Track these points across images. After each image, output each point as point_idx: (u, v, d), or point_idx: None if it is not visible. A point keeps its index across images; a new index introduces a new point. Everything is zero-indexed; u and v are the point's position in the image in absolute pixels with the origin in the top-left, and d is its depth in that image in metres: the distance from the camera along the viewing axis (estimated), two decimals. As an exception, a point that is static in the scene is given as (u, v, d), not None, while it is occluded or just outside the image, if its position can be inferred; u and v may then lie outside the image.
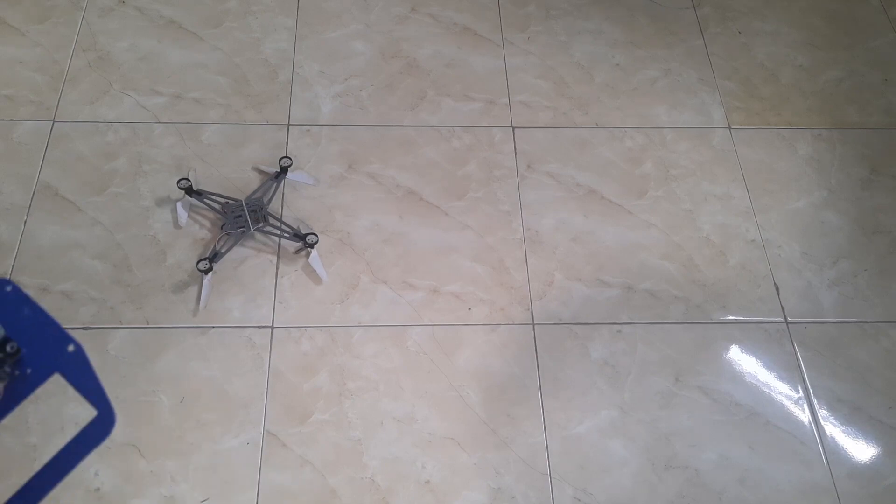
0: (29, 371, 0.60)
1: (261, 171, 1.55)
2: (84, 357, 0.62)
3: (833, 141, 1.67)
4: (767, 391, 1.37)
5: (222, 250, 1.42)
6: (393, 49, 1.74)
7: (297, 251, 1.46)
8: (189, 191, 1.46)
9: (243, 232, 1.43)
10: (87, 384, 0.61)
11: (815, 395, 1.37)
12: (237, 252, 1.45)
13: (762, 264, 1.50)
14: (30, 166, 1.52)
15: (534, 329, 1.41)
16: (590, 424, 1.32)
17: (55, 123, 1.57)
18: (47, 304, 1.37)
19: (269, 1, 1.79)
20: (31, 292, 1.38)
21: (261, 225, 1.44)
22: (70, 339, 0.61)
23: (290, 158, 1.53)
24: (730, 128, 1.68)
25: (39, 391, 1.28)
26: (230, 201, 1.47)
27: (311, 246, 1.44)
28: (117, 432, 1.27)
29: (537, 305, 1.43)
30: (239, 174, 1.54)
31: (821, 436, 1.34)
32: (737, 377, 1.38)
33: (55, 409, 1.28)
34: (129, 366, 1.33)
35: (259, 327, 1.38)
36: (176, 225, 1.47)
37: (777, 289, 1.48)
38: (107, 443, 1.26)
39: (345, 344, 1.37)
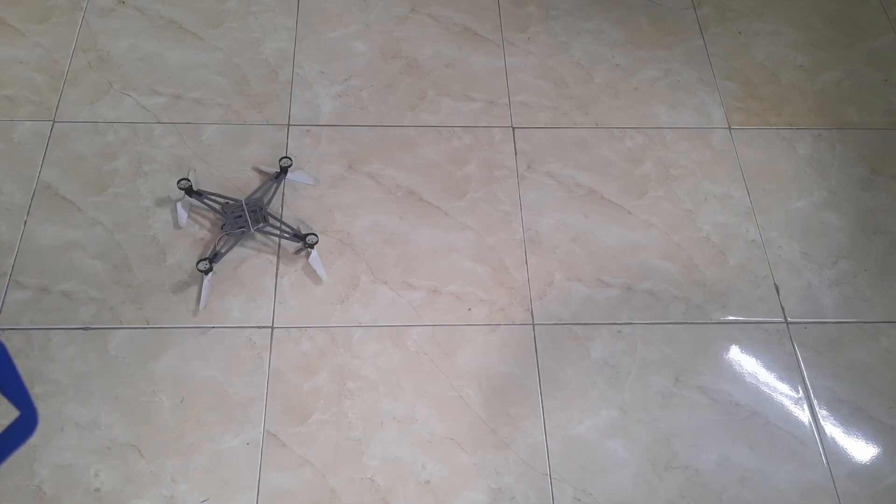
0: None
1: (261, 172, 1.55)
2: (7, 357, 0.61)
3: (833, 141, 1.67)
4: (767, 391, 1.37)
5: (222, 250, 1.42)
6: (393, 49, 1.74)
7: (297, 251, 1.46)
8: (189, 191, 1.46)
9: (243, 232, 1.43)
10: (10, 383, 0.60)
11: (815, 395, 1.37)
12: (237, 252, 1.45)
13: (762, 264, 1.50)
14: (30, 166, 1.52)
15: (534, 329, 1.41)
16: (590, 424, 1.32)
17: (55, 123, 1.57)
18: (47, 304, 1.37)
19: (269, 1, 1.79)
20: (31, 292, 1.38)
21: (261, 225, 1.44)
22: None
23: (290, 158, 1.53)
24: (730, 128, 1.68)
25: (39, 391, 1.29)
26: (230, 201, 1.47)
27: (311, 246, 1.44)
28: (117, 432, 1.27)
29: (537, 305, 1.43)
30: (239, 174, 1.54)
31: (821, 436, 1.34)
32: (737, 377, 1.38)
33: (55, 410, 1.28)
34: (129, 366, 1.33)
35: (259, 327, 1.38)
36: (176, 225, 1.47)
37: (777, 289, 1.48)
38: (107, 443, 1.26)
39: (345, 344, 1.37)
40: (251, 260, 1.45)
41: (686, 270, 1.49)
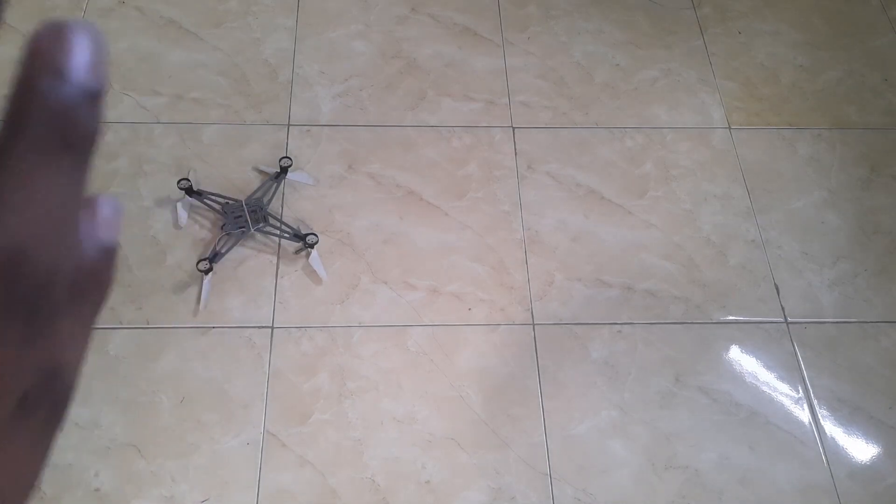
0: None
1: (261, 172, 1.55)
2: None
3: (833, 141, 1.67)
4: (767, 391, 1.37)
5: (222, 250, 1.42)
6: (393, 49, 1.74)
7: (297, 251, 1.46)
8: (189, 191, 1.46)
9: (243, 232, 1.43)
10: None
11: (815, 395, 1.37)
12: (237, 252, 1.45)
13: (762, 264, 1.50)
14: (30, 166, 1.52)
15: (534, 329, 1.41)
16: (590, 424, 1.32)
17: (55, 123, 1.57)
18: (47, 304, 1.37)
19: (269, 1, 1.79)
20: (31, 292, 1.38)
21: (261, 225, 1.44)
22: None
23: (290, 158, 1.53)
24: (730, 128, 1.68)
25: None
26: (230, 201, 1.47)
27: (311, 246, 1.44)
28: (117, 432, 1.27)
29: (537, 305, 1.43)
30: (239, 174, 1.54)
31: (821, 436, 1.34)
32: (737, 377, 1.38)
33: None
34: (129, 366, 1.33)
35: (259, 327, 1.38)
36: (176, 225, 1.47)
37: (777, 289, 1.48)
38: (107, 443, 1.26)
39: (345, 344, 1.37)
40: (251, 260, 1.45)
41: (686, 270, 1.49)
